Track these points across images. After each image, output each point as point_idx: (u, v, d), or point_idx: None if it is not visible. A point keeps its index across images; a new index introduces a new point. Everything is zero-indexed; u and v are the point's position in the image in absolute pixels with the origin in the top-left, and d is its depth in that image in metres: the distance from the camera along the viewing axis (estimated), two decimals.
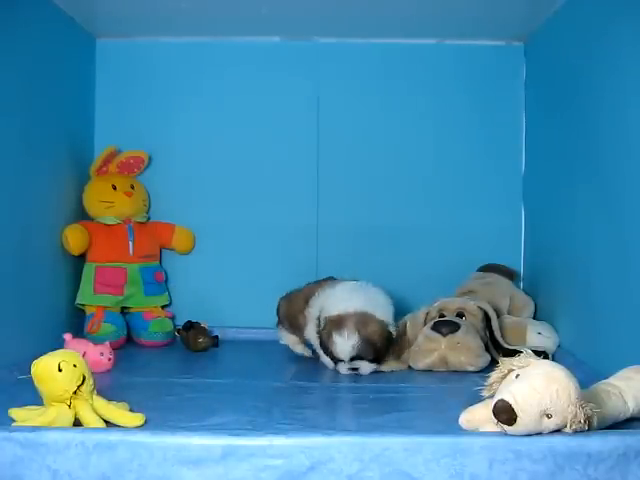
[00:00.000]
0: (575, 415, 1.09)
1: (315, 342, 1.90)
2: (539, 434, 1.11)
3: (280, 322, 2.08)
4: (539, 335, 1.97)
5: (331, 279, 2.02)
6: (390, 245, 2.35)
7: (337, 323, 1.76)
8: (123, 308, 2.22)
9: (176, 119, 2.37)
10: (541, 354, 1.72)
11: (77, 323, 2.14)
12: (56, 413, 1.22)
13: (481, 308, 1.97)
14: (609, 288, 1.62)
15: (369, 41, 2.35)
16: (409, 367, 1.87)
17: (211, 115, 2.38)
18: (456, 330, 1.86)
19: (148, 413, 1.29)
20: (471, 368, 1.83)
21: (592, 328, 1.73)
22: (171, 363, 2.01)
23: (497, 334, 1.94)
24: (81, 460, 1.09)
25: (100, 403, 1.27)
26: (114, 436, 1.11)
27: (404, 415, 1.39)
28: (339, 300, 1.83)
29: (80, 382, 1.23)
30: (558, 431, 1.12)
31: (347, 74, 2.37)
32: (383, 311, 1.82)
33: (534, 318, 2.12)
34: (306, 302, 1.95)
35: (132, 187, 2.27)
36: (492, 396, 1.16)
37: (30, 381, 1.25)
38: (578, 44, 1.85)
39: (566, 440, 1.10)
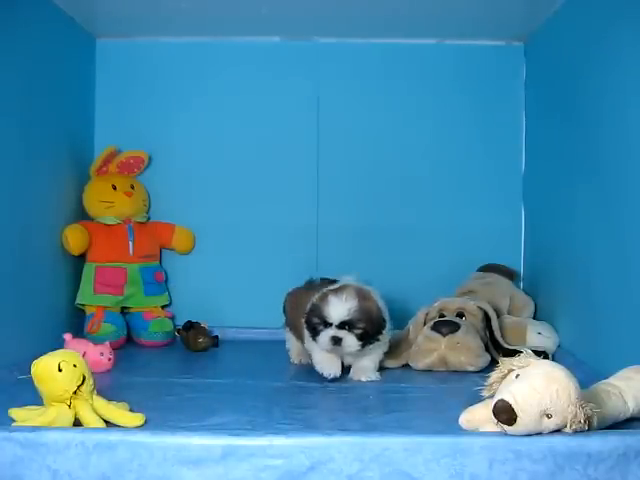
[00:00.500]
0: (575, 415, 1.09)
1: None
2: (539, 434, 1.11)
3: (286, 322, 1.98)
4: (539, 335, 1.97)
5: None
6: (390, 245, 2.35)
7: (336, 290, 1.68)
8: (123, 308, 2.22)
9: (176, 119, 2.37)
10: (541, 354, 1.72)
11: (77, 323, 2.14)
12: (56, 413, 1.22)
13: (481, 308, 1.97)
14: (609, 288, 1.62)
15: (369, 41, 2.35)
16: (409, 366, 1.87)
17: (211, 115, 2.38)
18: (456, 330, 1.86)
19: (148, 413, 1.29)
20: (471, 368, 1.83)
21: (592, 328, 1.73)
22: (171, 363, 2.01)
23: (497, 334, 1.94)
24: (81, 460, 1.10)
25: (100, 403, 1.27)
26: (114, 436, 1.11)
27: (404, 415, 1.39)
28: (339, 281, 1.76)
29: (80, 382, 1.23)
30: (558, 431, 1.12)
31: (347, 74, 2.37)
32: (381, 302, 1.74)
33: (534, 318, 2.12)
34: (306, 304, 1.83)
35: (132, 187, 2.27)
36: (492, 396, 1.16)
37: (30, 381, 1.25)
38: (578, 44, 1.85)
39: (566, 440, 1.10)
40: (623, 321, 1.55)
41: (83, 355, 1.46)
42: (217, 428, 1.25)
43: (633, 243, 1.51)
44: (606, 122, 1.66)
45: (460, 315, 1.94)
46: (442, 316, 1.95)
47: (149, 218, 2.35)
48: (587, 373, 1.58)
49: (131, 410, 1.31)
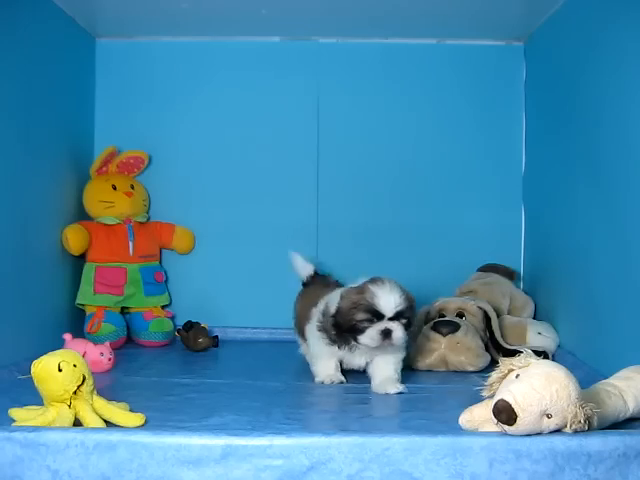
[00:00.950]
0: (575, 415, 1.09)
1: (314, 332, 1.66)
2: (539, 434, 1.11)
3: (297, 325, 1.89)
4: (539, 335, 1.97)
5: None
6: (390, 245, 2.35)
7: (375, 281, 1.56)
8: (123, 308, 2.22)
9: (176, 119, 2.37)
10: (541, 354, 1.72)
11: (77, 323, 2.14)
12: (56, 413, 1.22)
13: (481, 308, 1.97)
14: (609, 288, 1.63)
15: (369, 41, 2.35)
16: (409, 366, 1.86)
17: (211, 115, 2.38)
18: (456, 330, 1.86)
19: (148, 413, 1.29)
20: (471, 368, 1.83)
21: (592, 328, 1.73)
22: (171, 363, 2.01)
23: (497, 334, 1.94)
24: (81, 460, 1.10)
25: (100, 403, 1.27)
26: (114, 436, 1.11)
27: (404, 415, 1.39)
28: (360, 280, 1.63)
29: (80, 382, 1.23)
30: (558, 431, 1.12)
31: (347, 74, 2.37)
32: None
33: (534, 318, 2.12)
34: (312, 306, 1.73)
35: (132, 187, 2.27)
36: (492, 396, 1.16)
37: (30, 381, 1.25)
38: (578, 44, 1.85)
39: (566, 440, 1.10)
40: (623, 321, 1.55)
41: (83, 355, 1.46)
42: (217, 428, 1.25)
43: (633, 243, 1.51)
44: (606, 122, 1.66)
45: (460, 315, 1.95)
46: (442, 316, 1.95)
47: (149, 218, 2.35)
48: (587, 373, 1.59)
49: (131, 410, 1.31)
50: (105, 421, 1.25)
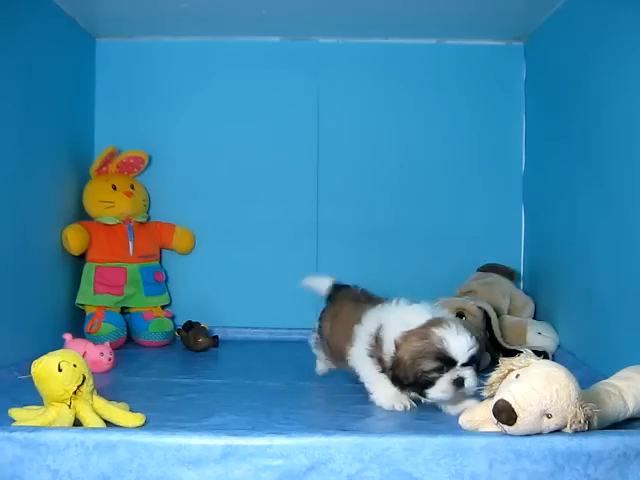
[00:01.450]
0: (575, 415, 1.09)
1: (366, 366, 1.46)
2: (539, 434, 1.11)
3: (317, 339, 1.73)
4: (539, 335, 1.97)
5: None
6: (390, 245, 2.35)
7: (434, 322, 1.36)
8: (123, 308, 2.22)
9: (176, 119, 2.37)
10: (541, 354, 1.72)
11: (77, 323, 2.14)
12: (56, 413, 1.22)
13: (481, 308, 1.97)
14: (609, 288, 1.63)
15: (369, 41, 2.35)
16: None
17: (211, 115, 2.38)
18: None
19: (148, 413, 1.29)
20: None
21: (592, 328, 1.73)
22: (171, 363, 2.01)
23: (497, 334, 1.94)
24: (81, 460, 1.10)
25: (100, 403, 1.27)
26: (114, 436, 1.11)
27: (404, 415, 1.39)
28: (414, 310, 1.44)
29: (80, 382, 1.23)
30: (558, 431, 1.12)
31: (347, 74, 2.37)
32: None
33: (534, 318, 2.12)
34: (354, 323, 1.53)
35: (132, 187, 2.27)
36: (492, 396, 1.16)
37: (30, 381, 1.25)
38: (578, 44, 1.85)
39: (566, 440, 1.10)
40: (623, 321, 1.55)
41: (83, 355, 1.47)
42: (217, 428, 1.25)
43: (633, 243, 1.51)
44: (606, 122, 1.66)
45: (460, 315, 1.94)
46: None
47: (149, 218, 2.35)
48: (587, 373, 1.59)
49: (131, 410, 1.31)
50: (105, 421, 1.25)
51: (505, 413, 1.09)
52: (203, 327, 2.15)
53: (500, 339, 1.93)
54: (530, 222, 2.31)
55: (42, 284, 1.97)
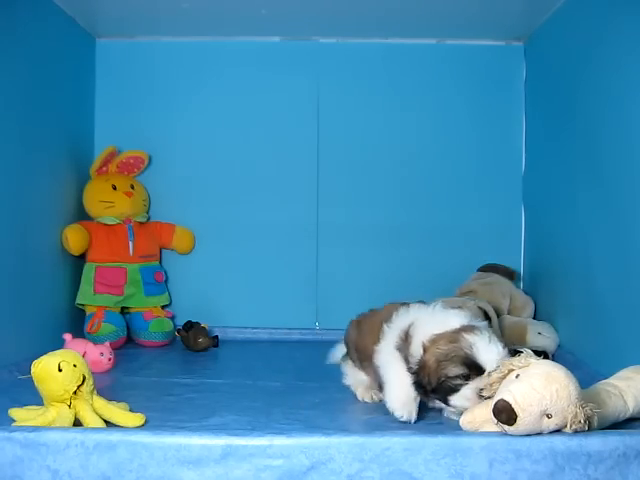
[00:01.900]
0: (575, 415, 1.10)
1: (387, 365, 1.37)
2: (539, 434, 1.11)
3: (347, 352, 1.62)
4: (539, 335, 1.97)
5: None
6: (390, 245, 2.35)
7: (465, 328, 1.30)
8: (123, 308, 2.22)
9: (176, 119, 2.37)
10: (541, 354, 1.72)
11: (77, 323, 2.14)
12: (56, 413, 1.22)
13: (481, 308, 1.96)
14: (609, 288, 1.63)
15: (369, 41, 2.35)
16: None
17: (211, 115, 2.37)
18: None
19: (148, 413, 1.29)
20: None
21: (592, 328, 1.73)
22: (171, 363, 2.01)
23: (497, 334, 1.94)
24: (81, 460, 1.10)
25: (100, 403, 1.27)
26: (114, 436, 1.11)
27: None
28: (450, 314, 1.37)
29: (80, 382, 1.23)
30: (558, 431, 1.12)
31: (347, 74, 2.37)
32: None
33: (534, 318, 2.12)
34: (383, 321, 1.45)
35: (132, 187, 2.27)
36: (492, 396, 1.16)
37: (30, 381, 1.25)
38: (578, 44, 1.85)
39: (566, 440, 1.10)
40: (623, 321, 1.55)
41: (83, 355, 1.47)
42: (217, 428, 1.25)
43: (633, 243, 1.51)
44: (606, 122, 1.66)
45: None
46: None
47: (149, 218, 2.35)
48: (587, 373, 1.59)
49: (131, 410, 1.31)
50: (105, 421, 1.25)
51: (505, 413, 1.09)
52: (203, 327, 2.15)
53: (500, 339, 1.93)
54: (530, 222, 2.31)
55: (42, 284, 1.97)
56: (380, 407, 1.47)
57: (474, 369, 1.25)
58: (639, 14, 1.51)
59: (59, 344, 1.74)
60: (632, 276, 1.50)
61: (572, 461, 1.09)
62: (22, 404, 1.31)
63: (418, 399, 1.33)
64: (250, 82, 2.37)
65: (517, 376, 1.14)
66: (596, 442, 1.10)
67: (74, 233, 2.11)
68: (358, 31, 2.29)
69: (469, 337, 1.27)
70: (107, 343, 1.85)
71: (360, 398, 1.52)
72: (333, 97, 2.37)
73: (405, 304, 1.45)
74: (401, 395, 1.32)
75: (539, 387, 1.10)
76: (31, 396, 1.30)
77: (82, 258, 2.19)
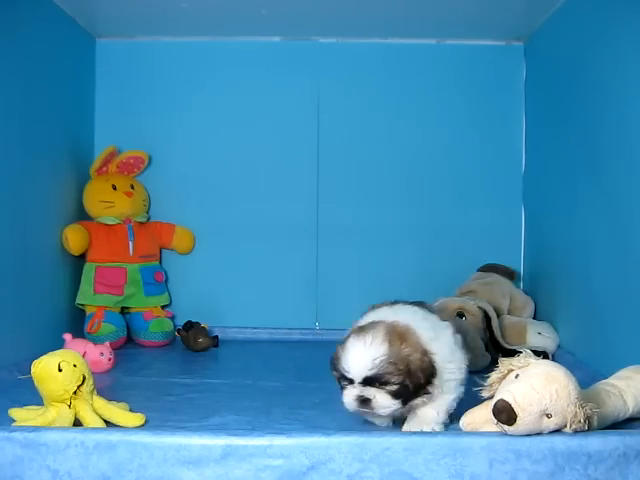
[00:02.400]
0: (575, 415, 1.09)
1: None
2: (539, 434, 1.11)
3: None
4: (539, 335, 1.97)
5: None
6: (390, 245, 2.35)
7: (362, 329, 1.23)
8: (123, 308, 2.22)
9: (176, 119, 2.37)
10: (541, 354, 1.72)
11: (77, 323, 2.14)
12: (56, 413, 1.22)
13: (481, 308, 1.97)
14: (609, 288, 1.63)
15: (369, 41, 2.35)
16: None
17: (211, 115, 2.37)
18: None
19: (148, 413, 1.29)
20: (471, 368, 1.82)
21: (592, 328, 1.73)
22: (171, 363, 2.01)
23: (497, 334, 1.94)
24: (81, 460, 1.10)
25: (100, 403, 1.27)
26: (114, 436, 1.11)
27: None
28: (380, 311, 1.32)
29: (80, 382, 1.23)
30: (558, 431, 1.12)
31: (347, 74, 2.37)
32: (436, 335, 1.26)
33: (534, 318, 2.12)
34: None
35: (132, 187, 2.27)
36: (492, 397, 1.16)
37: (30, 381, 1.25)
38: (578, 44, 1.85)
39: (566, 440, 1.10)
40: (623, 321, 1.55)
41: (83, 355, 1.47)
42: (217, 428, 1.25)
43: (633, 243, 1.51)
44: (606, 122, 1.66)
45: (460, 315, 1.94)
46: None
47: (149, 218, 2.35)
48: (587, 373, 1.59)
49: (131, 410, 1.31)
50: (105, 421, 1.25)
51: (505, 413, 1.09)
52: (203, 327, 2.15)
53: (500, 339, 1.93)
54: (530, 222, 2.31)
55: (42, 284, 1.97)
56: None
57: (342, 376, 1.22)
58: (639, 14, 1.51)
59: (59, 344, 1.74)
60: (632, 276, 1.50)
61: (572, 461, 1.09)
62: (22, 404, 1.31)
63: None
64: (250, 82, 2.37)
65: (517, 376, 1.14)
66: (596, 442, 1.10)
67: (74, 233, 2.11)
68: (358, 31, 2.29)
69: (348, 341, 1.21)
70: (107, 343, 1.85)
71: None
72: (333, 97, 2.37)
73: (388, 303, 1.37)
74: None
75: (539, 387, 1.10)
76: (31, 396, 1.30)
77: (82, 258, 2.19)
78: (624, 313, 1.54)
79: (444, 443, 1.10)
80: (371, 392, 1.19)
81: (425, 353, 1.20)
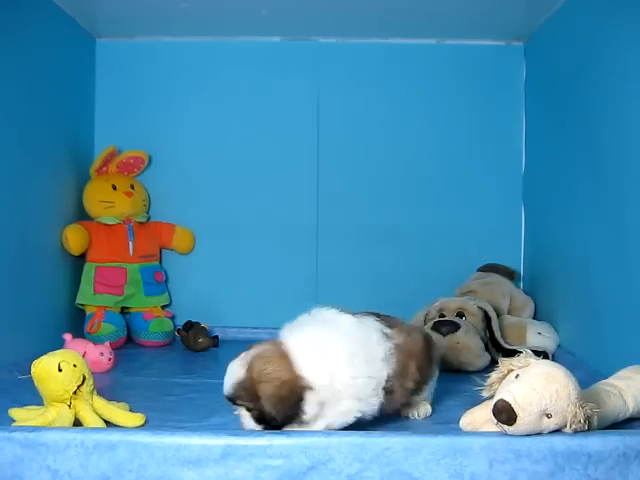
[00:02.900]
0: (575, 415, 1.09)
1: None
2: (539, 434, 1.11)
3: None
4: (539, 335, 1.97)
5: None
6: (390, 245, 2.35)
7: (249, 348, 1.30)
8: (123, 308, 2.22)
9: (176, 119, 2.37)
10: (541, 354, 1.72)
11: (77, 323, 2.14)
12: (56, 413, 1.22)
13: (481, 308, 1.97)
14: (609, 288, 1.63)
15: (369, 41, 2.35)
16: None
17: (211, 115, 2.37)
18: (456, 330, 1.86)
19: (148, 413, 1.29)
20: (471, 368, 1.83)
21: (592, 328, 1.73)
22: (171, 363, 2.01)
23: (497, 334, 1.94)
24: (81, 460, 1.10)
25: (100, 403, 1.27)
26: (114, 436, 1.11)
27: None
28: (298, 321, 1.35)
29: (80, 382, 1.23)
30: (558, 431, 1.12)
31: (347, 74, 2.37)
32: (329, 355, 1.20)
33: (534, 318, 2.12)
34: None
35: (132, 187, 2.27)
36: (492, 397, 1.16)
37: (30, 381, 1.25)
38: (578, 44, 1.85)
39: (566, 440, 1.10)
40: (623, 321, 1.55)
41: (83, 355, 1.47)
42: (217, 428, 1.25)
43: (633, 243, 1.51)
44: (606, 122, 1.66)
45: (460, 315, 1.95)
46: (442, 316, 1.95)
47: (149, 218, 2.35)
48: (587, 373, 1.59)
49: (131, 410, 1.31)
50: (105, 421, 1.25)
51: (505, 413, 1.09)
52: (203, 327, 2.15)
53: (500, 339, 1.93)
54: (530, 222, 2.31)
55: (42, 284, 1.97)
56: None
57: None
58: (639, 14, 1.51)
59: (59, 344, 1.74)
60: (632, 276, 1.50)
61: (572, 461, 1.09)
62: (22, 404, 1.31)
63: None
64: (250, 82, 2.37)
65: (517, 376, 1.14)
66: (596, 442, 1.10)
67: (74, 233, 2.11)
68: (358, 31, 2.29)
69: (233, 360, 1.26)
70: (107, 343, 1.85)
71: None
72: (333, 97, 2.37)
73: (334, 308, 1.38)
74: None
75: (539, 387, 1.10)
76: (31, 396, 1.30)
77: (82, 258, 2.19)
78: (624, 313, 1.54)
79: (444, 443, 1.10)
80: (240, 411, 1.21)
81: (297, 380, 1.17)
